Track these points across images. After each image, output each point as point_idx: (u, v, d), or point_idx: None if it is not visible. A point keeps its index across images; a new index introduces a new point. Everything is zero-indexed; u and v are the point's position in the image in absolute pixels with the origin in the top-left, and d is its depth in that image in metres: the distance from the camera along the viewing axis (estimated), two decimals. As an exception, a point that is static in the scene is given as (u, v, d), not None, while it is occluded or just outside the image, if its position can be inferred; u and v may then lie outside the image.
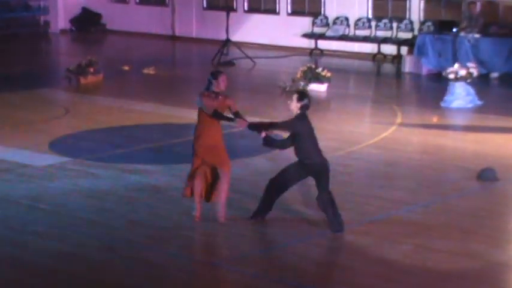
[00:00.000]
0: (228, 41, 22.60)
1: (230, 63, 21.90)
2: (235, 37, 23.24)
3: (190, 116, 15.59)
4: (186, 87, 19.11)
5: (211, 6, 26.40)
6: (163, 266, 8.51)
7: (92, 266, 8.58)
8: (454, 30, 19.88)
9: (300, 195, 10.68)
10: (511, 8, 21.52)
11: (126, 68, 20.66)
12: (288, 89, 17.95)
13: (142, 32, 27.26)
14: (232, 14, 23.56)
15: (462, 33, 19.68)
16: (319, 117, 15.65)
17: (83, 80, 18.76)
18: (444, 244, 9.06)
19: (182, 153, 13.01)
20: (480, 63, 17.96)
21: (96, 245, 9.15)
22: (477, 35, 19.58)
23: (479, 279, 8.21)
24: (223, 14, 23.15)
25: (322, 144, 13.19)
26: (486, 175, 11.35)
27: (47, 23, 28.16)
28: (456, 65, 16.46)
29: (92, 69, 19.04)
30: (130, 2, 28.26)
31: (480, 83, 17.03)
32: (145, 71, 20.45)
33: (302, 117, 9.55)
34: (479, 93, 16.59)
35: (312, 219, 9.78)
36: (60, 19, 28.40)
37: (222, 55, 22.20)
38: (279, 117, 15.22)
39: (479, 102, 16.43)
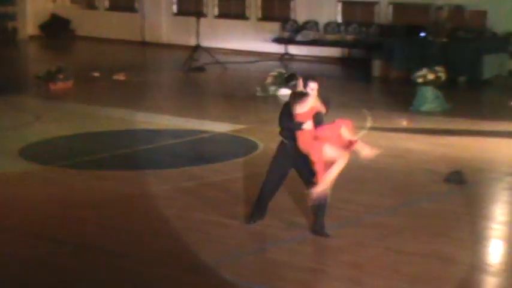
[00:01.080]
0: (198, 47, 22.65)
1: (201, 69, 21.93)
2: (206, 42, 23.28)
3: (161, 121, 15.68)
4: (156, 93, 19.13)
5: (181, 12, 26.45)
6: (139, 273, 8.52)
7: (65, 274, 8.57)
8: (422, 34, 20.07)
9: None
10: (477, 13, 21.78)
11: (96, 74, 20.63)
12: (258, 94, 18.04)
13: (112, 38, 27.24)
14: (202, 20, 23.62)
15: (430, 38, 19.87)
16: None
17: (52, 87, 18.70)
18: (414, 247, 9.16)
19: (153, 159, 13.06)
20: (448, 67, 18.12)
21: (69, 252, 9.13)
22: (444, 40, 19.78)
23: (449, 282, 8.30)
24: (194, 19, 23.21)
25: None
26: (454, 178, 11.48)
27: (15, 30, 28.01)
28: (424, 69, 16.62)
29: (61, 76, 18.98)
30: (99, 8, 28.22)
31: (448, 87, 17.20)
32: (116, 77, 20.42)
33: None
34: (448, 97, 16.77)
35: (283, 222, 9.84)
36: (29, 25, 28.31)
37: (192, 61, 22.24)
38: (251, 121, 15.35)
39: (447, 106, 16.62)
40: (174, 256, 8.87)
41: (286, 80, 9.41)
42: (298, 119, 9.20)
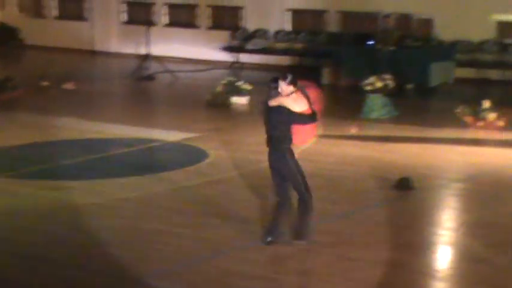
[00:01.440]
0: (148, 56, 22.61)
1: (151, 78, 21.90)
2: (156, 51, 23.25)
3: (111, 130, 15.62)
4: (106, 102, 19.06)
5: (131, 21, 26.38)
6: (85, 284, 8.48)
7: (13, 286, 8.50)
8: (371, 42, 20.27)
9: (220, 208, 10.76)
10: (423, 21, 22.08)
11: (45, 83, 20.46)
12: (210, 102, 18.06)
13: (61, 46, 27.06)
14: (152, 28, 23.59)
15: (378, 46, 20.08)
16: (240, 130, 15.83)
17: (0, 96, 18.52)
18: (365, 253, 9.25)
19: (102, 168, 13.00)
20: (396, 74, 18.33)
21: (15, 263, 9.04)
22: (392, 47, 20.00)
23: (398, 287, 8.40)
24: (143, 28, 23.17)
25: (244, 157, 13.45)
26: (402, 184, 11.62)
27: (-39, 38, 27.73)
28: (373, 77, 16.80)
29: (10, 85, 18.82)
30: (48, 16, 28.03)
31: (396, 95, 17.39)
32: (65, 86, 20.29)
33: None
34: (396, 105, 16.97)
35: (235, 230, 9.87)
36: (-24, 34, 28.02)
37: (142, 69, 22.20)
38: (202, 130, 15.37)
39: (395, 113, 16.81)
40: (123, 266, 8.83)
41: (271, 82, 9.20)
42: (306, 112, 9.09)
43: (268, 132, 9.31)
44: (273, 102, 9.15)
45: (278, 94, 9.16)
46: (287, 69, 23.58)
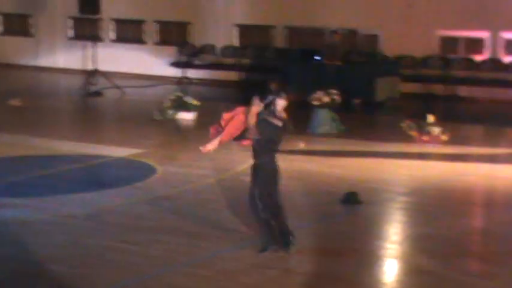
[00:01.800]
0: (95, 71, 22.53)
1: (98, 94, 21.82)
2: (103, 67, 23.18)
3: (58, 147, 15.52)
4: (53, 118, 18.92)
5: (77, 37, 26.26)
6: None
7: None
8: (317, 58, 20.46)
9: (168, 224, 10.77)
10: (368, 37, 22.37)
11: (-9, 99, 20.29)
12: (156, 118, 18.05)
13: (7, 62, 26.84)
14: (99, 44, 23.52)
15: (325, 61, 20.28)
16: (188, 145, 15.85)
17: None
18: (312, 267, 9.31)
19: (50, 185, 12.90)
20: (342, 89, 18.51)
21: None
22: (339, 63, 20.23)
23: (345, 300, 8.50)
24: (90, 44, 23.09)
25: (192, 172, 13.47)
26: (350, 199, 11.74)
27: None
28: (320, 92, 16.96)
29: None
30: (-7, 32, 27.80)
31: (343, 109, 17.57)
32: (11, 102, 20.11)
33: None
34: (343, 119, 17.14)
35: (182, 246, 9.88)
36: None
37: (89, 85, 22.11)
38: (150, 146, 15.35)
39: (342, 128, 16.98)
40: (70, 284, 8.79)
41: (267, 96, 9.52)
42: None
43: (275, 148, 9.51)
44: (277, 121, 9.41)
45: (274, 109, 9.38)
46: (235, 84, 23.69)
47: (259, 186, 9.48)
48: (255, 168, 9.54)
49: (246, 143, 9.73)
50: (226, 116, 9.81)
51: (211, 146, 9.86)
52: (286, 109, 9.53)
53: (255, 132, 9.40)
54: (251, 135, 9.47)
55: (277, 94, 9.44)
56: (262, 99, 9.46)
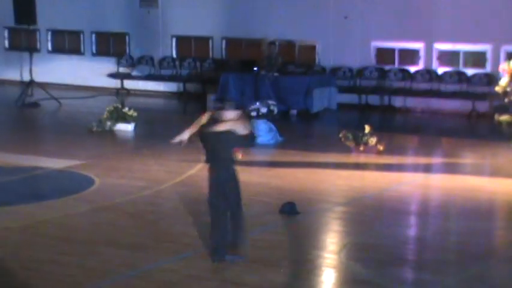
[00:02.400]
0: (32, 82, 22.31)
1: (35, 105, 21.62)
2: (40, 78, 22.96)
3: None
4: (-12, 129, 18.69)
5: (13, 47, 25.99)
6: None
7: None
8: (255, 69, 20.58)
9: (106, 236, 10.73)
10: (306, 48, 22.58)
11: None
12: (94, 129, 17.96)
13: None
14: (35, 55, 23.30)
15: (263, 72, 20.40)
16: (126, 157, 15.80)
17: None
18: (249, 278, 9.35)
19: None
20: (280, 100, 18.65)
21: None
22: (276, 74, 20.37)
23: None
24: (26, 54, 22.87)
25: (130, 184, 13.43)
26: (287, 209, 11.82)
27: None
28: (257, 103, 17.06)
29: None
30: None
31: (281, 120, 17.69)
32: None
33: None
34: (281, 130, 17.26)
35: (120, 258, 9.85)
36: None
37: (26, 96, 21.89)
38: (87, 157, 15.25)
39: (280, 139, 17.10)
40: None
41: (216, 104, 9.84)
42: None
43: (214, 153, 9.79)
44: (220, 127, 9.64)
45: (221, 117, 9.67)
46: (173, 95, 23.68)
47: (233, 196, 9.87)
48: (222, 178, 9.90)
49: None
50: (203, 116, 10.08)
51: (179, 137, 10.15)
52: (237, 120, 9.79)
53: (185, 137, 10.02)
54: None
55: (225, 103, 9.79)
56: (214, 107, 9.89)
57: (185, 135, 10.10)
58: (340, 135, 16.20)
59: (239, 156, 14.77)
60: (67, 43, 25.63)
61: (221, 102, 9.95)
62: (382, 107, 21.71)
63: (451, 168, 15.03)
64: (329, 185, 13.75)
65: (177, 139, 10.17)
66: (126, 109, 18.33)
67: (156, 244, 10.38)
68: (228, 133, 9.70)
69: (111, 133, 17.93)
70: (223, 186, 9.79)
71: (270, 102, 17.21)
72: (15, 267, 9.57)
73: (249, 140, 10.16)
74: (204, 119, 9.88)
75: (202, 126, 9.83)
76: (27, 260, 9.83)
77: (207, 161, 9.89)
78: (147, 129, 18.52)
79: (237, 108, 9.80)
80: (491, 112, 18.52)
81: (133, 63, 24.42)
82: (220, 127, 9.68)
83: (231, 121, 9.71)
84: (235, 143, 9.87)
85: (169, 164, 15.08)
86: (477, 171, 14.90)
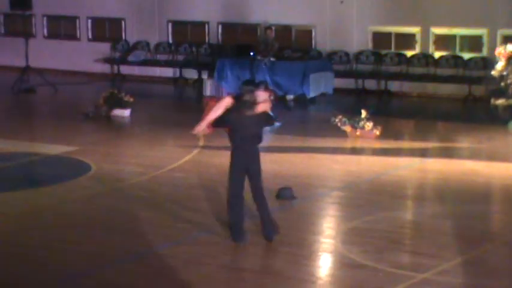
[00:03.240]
0: (27, 68, 22.25)
1: (31, 90, 21.57)
2: (36, 63, 22.88)
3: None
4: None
5: (8, 33, 25.90)
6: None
7: None
8: (252, 54, 20.54)
9: (104, 221, 10.74)
10: (302, 33, 22.53)
11: None
12: (90, 115, 17.94)
13: None
14: (31, 40, 23.22)
15: (259, 57, 20.37)
16: (122, 142, 15.81)
17: None
18: (246, 263, 9.41)
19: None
20: (276, 85, 18.63)
21: None
22: (273, 59, 20.34)
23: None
24: (22, 40, 22.78)
25: (126, 169, 13.44)
26: (284, 194, 11.85)
27: None
28: (254, 88, 17.02)
29: None
30: None
31: (277, 105, 17.66)
32: None
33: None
34: (277, 115, 17.22)
35: (118, 243, 9.87)
36: None
37: (22, 82, 21.83)
38: (84, 143, 15.25)
39: (277, 124, 17.08)
40: (3, 283, 8.73)
41: (245, 87, 9.85)
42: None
43: (248, 135, 9.83)
44: (258, 109, 9.79)
45: (253, 99, 9.76)
46: (169, 81, 23.65)
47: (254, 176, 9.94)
48: (245, 156, 9.86)
49: (213, 129, 10.19)
50: (211, 103, 10.18)
51: (200, 127, 10.16)
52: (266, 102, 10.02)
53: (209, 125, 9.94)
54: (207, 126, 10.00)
55: (256, 85, 9.91)
56: (240, 91, 9.89)
57: (203, 124, 10.05)
58: (337, 120, 16.20)
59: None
60: (63, 28, 25.55)
61: (254, 85, 10.02)
62: (379, 91, 21.70)
63: (447, 153, 15.05)
64: (325, 170, 13.77)
65: (199, 129, 10.10)
66: (122, 95, 18.31)
67: (154, 229, 10.40)
68: (264, 114, 9.90)
69: (107, 119, 17.91)
70: (249, 167, 9.86)
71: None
72: (11, 253, 9.58)
73: (272, 120, 10.56)
74: (229, 102, 9.84)
75: (230, 110, 9.78)
76: (23, 246, 9.84)
77: (237, 143, 9.84)
78: (143, 115, 18.50)
79: (266, 89, 9.91)
80: (487, 96, 18.52)
81: (129, 48, 24.36)
82: (258, 109, 9.77)
83: (265, 102, 9.85)
84: (266, 123, 10.14)
85: (166, 150, 15.09)
86: (473, 155, 14.92)
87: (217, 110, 9.91)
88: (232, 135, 9.88)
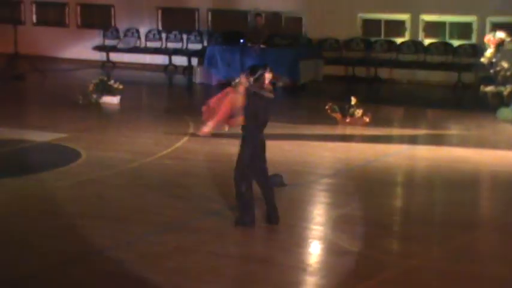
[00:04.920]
0: (16, 55, 22.18)
1: (20, 77, 21.51)
2: (25, 50, 22.82)
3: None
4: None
5: (-3, 20, 25.82)
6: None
7: None
8: (242, 41, 20.53)
9: (93, 208, 10.74)
10: (292, 20, 22.53)
11: None
12: (80, 102, 17.90)
13: None
14: (20, 27, 23.15)
15: (249, 44, 20.36)
16: (112, 129, 15.78)
17: None
18: (235, 250, 9.42)
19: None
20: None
21: None
22: (263, 46, 20.32)
23: (270, 283, 8.54)
24: (11, 27, 22.71)
25: (116, 156, 13.42)
26: (274, 181, 11.80)
27: None
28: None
29: None
30: None
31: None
32: None
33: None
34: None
35: (107, 230, 9.86)
36: None
37: (11, 69, 21.77)
38: (73, 130, 15.22)
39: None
40: (-5, 270, 8.73)
41: (253, 71, 9.79)
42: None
43: (265, 120, 9.93)
44: (268, 93, 9.80)
45: (263, 83, 9.76)
46: (159, 68, 23.61)
47: (263, 159, 9.99)
48: (260, 143, 9.91)
49: (234, 121, 10.02)
50: (213, 101, 10.14)
51: (208, 128, 10.20)
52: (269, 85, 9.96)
53: (241, 112, 9.82)
54: (240, 114, 9.86)
55: (264, 68, 9.80)
56: (250, 74, 9.77)
57: (211, 125, 10.12)
58: (327, 107, 16.21)
59: (225, 128, 14.80)
60: (52, 15, 25.46)
61: (262, 68, 9.87)
62: (369, 78, 21.71)
63: (436, 140, 15.09)
64: (316, 157, 13.78)
65: (206, 129, 10.20)
66: (111, 82, 18.28)
67: (143, 217, 10.40)
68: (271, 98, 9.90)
69: (97, 106, 17.88)
70: (259, 154, 9.92)
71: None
72: (2, 240, 9.56)
73: None
74: (233, 96, 9.83)
75: (250, 97, 9.72)
76: (13, 232, 9.83)
77: (253, 131, 9.83)
78: (133, 102, 18.47)
79: (271, 72, 9.92)
80: (476, 83, 18.56)
81: (118, 35, 24.29)
82: (270, 92, 9.81)
83: (268, 85, 9.85)
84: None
85: (156, 137, 15.07)
86: (462, 142, 14.97)
87: (226, 107, 9.88)
88: (250, 122, 9.81)
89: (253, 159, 9.91)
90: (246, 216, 9.95)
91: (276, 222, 10.04)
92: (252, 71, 9.86)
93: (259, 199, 10.15)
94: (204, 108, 10.29)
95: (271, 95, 9.84)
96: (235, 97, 9.84)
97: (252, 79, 9.75)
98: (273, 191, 10.15)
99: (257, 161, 9.95)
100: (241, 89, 9.82)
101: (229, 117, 10.03)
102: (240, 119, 9.91)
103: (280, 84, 20.31)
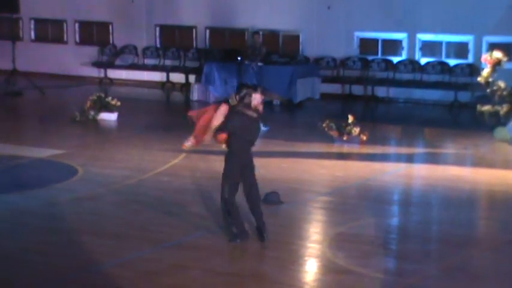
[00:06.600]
0: (14, 71, 22.21)
1: (18, 94, 21.54)
2: (23, 67, 22.85)
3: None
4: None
5: (-5, 36, 25.84)
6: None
7: None
8: (239, 58, 20.57)
9: (90, 225, 10.73)
10: (290, 38, 22.59)
11: None
12: (78, 118, 17.91)
13: None
14: (18, 43, 23.19)
15: (246, 62, 20.40)
16: (109, 146, 15.79)
17: None
18: (232, 267, 9.41)
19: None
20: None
21: None
22: (260, 63, 20.37)
23: (266, 299, 8.59)
24: (9, 43, 22.75)
25: (113, 173, 13.42)
26: (271, 198, 11.85)
27: None
28: (241, 93, 17.04)
29: None
30: None
31: (264, 109, 17.63)
32: None
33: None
34: (264, 119, 17.22)
35: (103, 247, 9.85)
36: None
37: (9, 85, 21.79)
38: (70, 146, 15.23)
39: (264, 128, 17.08)
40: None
41: (243, 90, 9.92)
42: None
43: (252, 139, 10.01)
44: (252, 113, 9.85)
45: (249, 102, 9.84)
46: (156, 85, 23.65)
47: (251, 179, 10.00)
48: (246, 161, 9.92)
49: (220, 137, 10.07)
50: (193, 113, 10.37)
51: (189, 142, 10.33)
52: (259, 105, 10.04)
53: (215, 133, 9.98)
54: (215, 134, 10.02)
55: (254, 89, 9.93)
56: (236, 93, 9.95)
57: (191, 139, 10.18)
58: (324, 125, 16.23)
59: (224, 146, 14.80)
60: (50, 32, 25.52)
61: (252, 88, 10.01)
62: (366, 97, 21.76)
63: (433, 158, 15.11)
64: (312, 175, 13.79)
65: (186, 144, 10.27)
66: (109, 98, 18.30)
67: (140, 233, 10.40)
68: (260, 116, 10.01)
69: (94, 122, 17.90)
70: (246, 167, 9.94)
71: (254, 92, 17.19)
72: (-2, 256, 9.56)
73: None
74: (226, 109, 9.87)
75: (234, 114, 9.79)
76: (9, 249, 9.82)
77: (237, 148, 9.90)
78: (130, 119, 18.49)
79: (263, 93, 9.97)
80: (473, 102, 18.60)
81: (116, 52, 24.35)
82: (258, 112, 9.88)
83: (258, 106, 9.90)
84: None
85: (153, 154, 15.08)
86: (459, 161, 14.99)
87: (217, 119, 9.92)
88: (233, 140, 9.87)
89: (243, 178, 9.95)
90: (236, 233, 9.97)
91: (262, 240, 10.02)
92: (238, 89, 9.99)
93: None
94: (190, 112, 10.43)
95: (254, 114, 9.86)
96: (224, 109, 9.89)
97: (237, 97, 9.82)
98: (261, 209, 10.12)
99: (247, 180, 9.97)
100: (221, 110, 9.93)
101: (216, 131, 10.04)
102: (223, 135, 9.97)
103: (277, 101, 20.39)
